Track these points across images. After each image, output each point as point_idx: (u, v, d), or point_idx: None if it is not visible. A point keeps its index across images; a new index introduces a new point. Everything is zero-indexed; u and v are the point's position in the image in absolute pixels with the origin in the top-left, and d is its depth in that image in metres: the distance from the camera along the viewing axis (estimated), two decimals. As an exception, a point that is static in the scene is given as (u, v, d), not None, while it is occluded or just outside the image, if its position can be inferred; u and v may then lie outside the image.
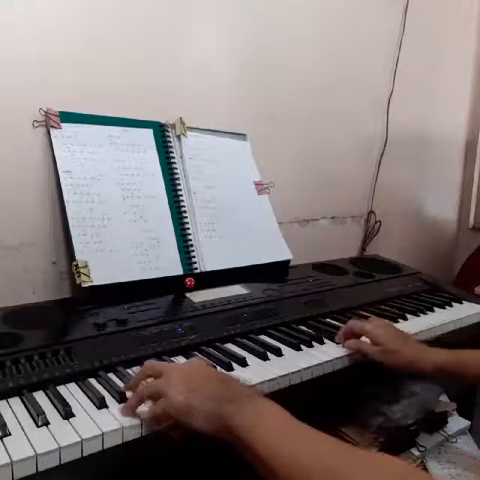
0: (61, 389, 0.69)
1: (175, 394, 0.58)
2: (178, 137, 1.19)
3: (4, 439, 0.58)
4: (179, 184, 1.15)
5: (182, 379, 0.60)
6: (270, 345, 0.86)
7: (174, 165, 1.16)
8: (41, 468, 0.56)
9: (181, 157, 1.18)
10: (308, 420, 0.56)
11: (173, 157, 1.17)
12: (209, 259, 1.12)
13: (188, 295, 1.04)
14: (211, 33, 1.26)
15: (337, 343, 0.90)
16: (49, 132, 1.01)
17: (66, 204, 0.99)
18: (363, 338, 0.89)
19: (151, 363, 0.68)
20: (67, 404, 0.64)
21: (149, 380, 0.66)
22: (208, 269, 1.11)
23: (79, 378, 0.72)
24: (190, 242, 1.11)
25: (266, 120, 1.37)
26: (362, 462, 0.49)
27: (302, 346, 0.88)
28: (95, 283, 0.95)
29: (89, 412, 0.64)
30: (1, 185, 0.98)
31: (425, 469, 0.89)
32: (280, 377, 0.77)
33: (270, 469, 0.51)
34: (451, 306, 1.17)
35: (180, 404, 0.57)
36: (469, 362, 0.84)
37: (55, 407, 0.65)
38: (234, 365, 0.78)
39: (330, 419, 0.86)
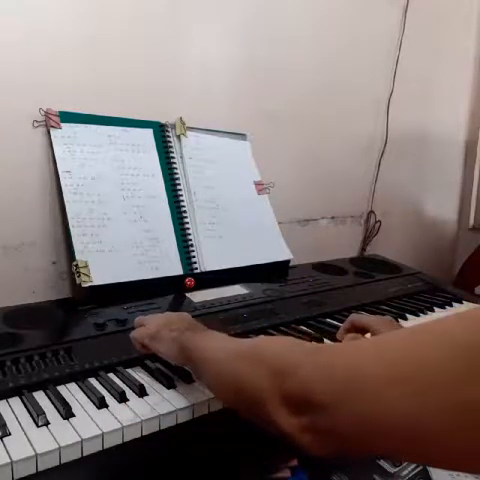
0: (61, 389, 0.69)
1: (150, 327, 0.74)
2: (178, 137, 1.19)
3: (4, 439, 0.58)
4: (179, 184, 1.15)
5: (155, 319, 0.77)
6: (270, 345, 0.86)
7: (174, 165, 1.16)
8: (41, 468, 0.56)
9: (181, 157, 1.18)
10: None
11: (173, 157, 1.16)
12: (209, 259, 1.12)
13: (188, 295, 1.04)
14: (211, 33, 1.26)
15: (338, 340, 0.90)
16: (49, 132, 1.01)
17: (66, 204, 0.99)
18: (367, 335, 0.89)
19: (138, 318, 0.81)
20: (67, 404, 0.64)
21: None
22: (208, 269, 1.11)
23: (79, 378, 0.72)
24: (190, 242, 1.11)
25: (266, 120, 1.37)
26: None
27: (302, 346, 0.87)
28: (95, 283, 0.95)
29: (89, 412, 0.64)
30: (1, 185, 0.98)
31: (425, 469, 0.89)
32: (280, 377, 0.77)
33: (207, 368, 0.61)
34: (451, 306, 1.17)
35: (152, 332, 0.73)
36: None
37: (55, 407, 0.65)
38: (234, 365, 0.78)
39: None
